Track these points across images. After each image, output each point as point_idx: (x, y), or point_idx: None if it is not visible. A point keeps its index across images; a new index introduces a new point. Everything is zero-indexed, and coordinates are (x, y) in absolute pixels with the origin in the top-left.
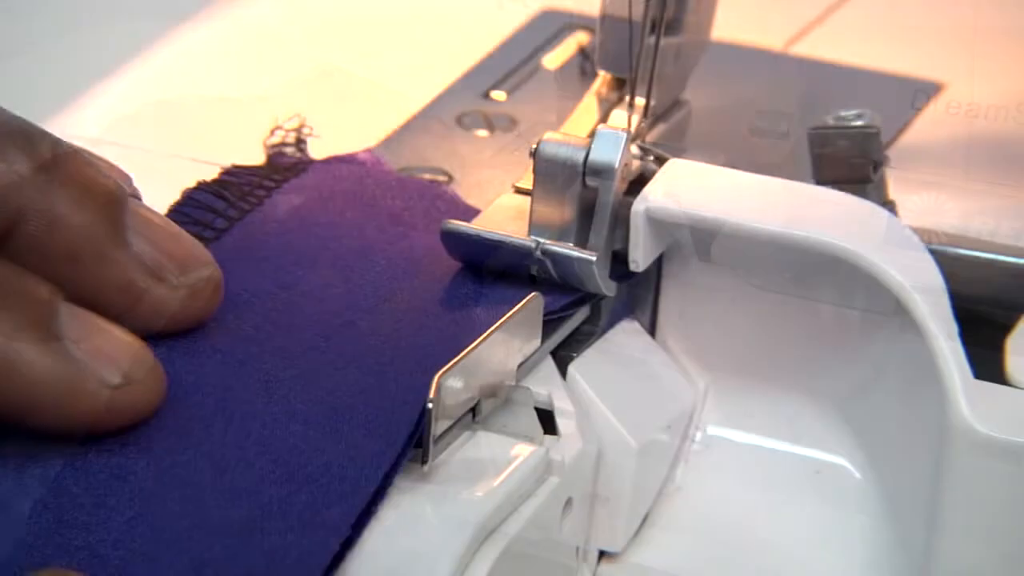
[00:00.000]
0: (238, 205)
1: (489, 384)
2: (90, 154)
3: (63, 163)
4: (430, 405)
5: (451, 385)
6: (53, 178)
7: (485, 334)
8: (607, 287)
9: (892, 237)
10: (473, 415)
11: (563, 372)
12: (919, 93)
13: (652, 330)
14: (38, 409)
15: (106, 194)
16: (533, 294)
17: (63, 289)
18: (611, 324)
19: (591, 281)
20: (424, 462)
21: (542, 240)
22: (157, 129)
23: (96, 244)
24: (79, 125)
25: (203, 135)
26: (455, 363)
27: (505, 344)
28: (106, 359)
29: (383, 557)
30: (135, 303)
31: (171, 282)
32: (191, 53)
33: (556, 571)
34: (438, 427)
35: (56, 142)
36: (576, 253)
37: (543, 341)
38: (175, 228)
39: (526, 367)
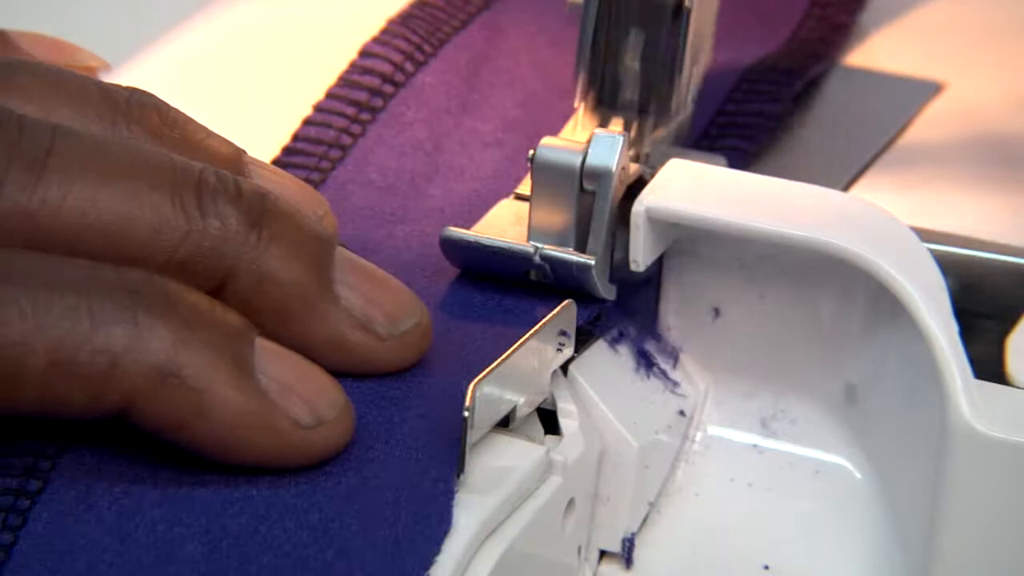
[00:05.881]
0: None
1: (523, 392)
2: (296, 183)
3: (273, 216)
4: (466, 414)
5: (487, 393)
6: (263, 234)
7: (519, 342)
8: (606, 291)
9: (892, 237)
10: (507, 423)
11: (564, 372)
12: (919, 93)
13: (653, 330)
14: (229, 446)
15: (316, 246)
16: (567, 301)
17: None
18: (612, 324)
19: (590, 285)
20: (460, 472)
21: (541, 245)
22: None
23: (306, 299)
24: None
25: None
26: (490, 371)
27: (539, 352)
28: (299, 398)
29: None
30: (343, 355)
31: (379, 333)
32: (189, 54)
33: (558, 571)
34: (473, 435)
35: (264, 193)
36: (575, 257)
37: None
38: (383, 275)
39: None
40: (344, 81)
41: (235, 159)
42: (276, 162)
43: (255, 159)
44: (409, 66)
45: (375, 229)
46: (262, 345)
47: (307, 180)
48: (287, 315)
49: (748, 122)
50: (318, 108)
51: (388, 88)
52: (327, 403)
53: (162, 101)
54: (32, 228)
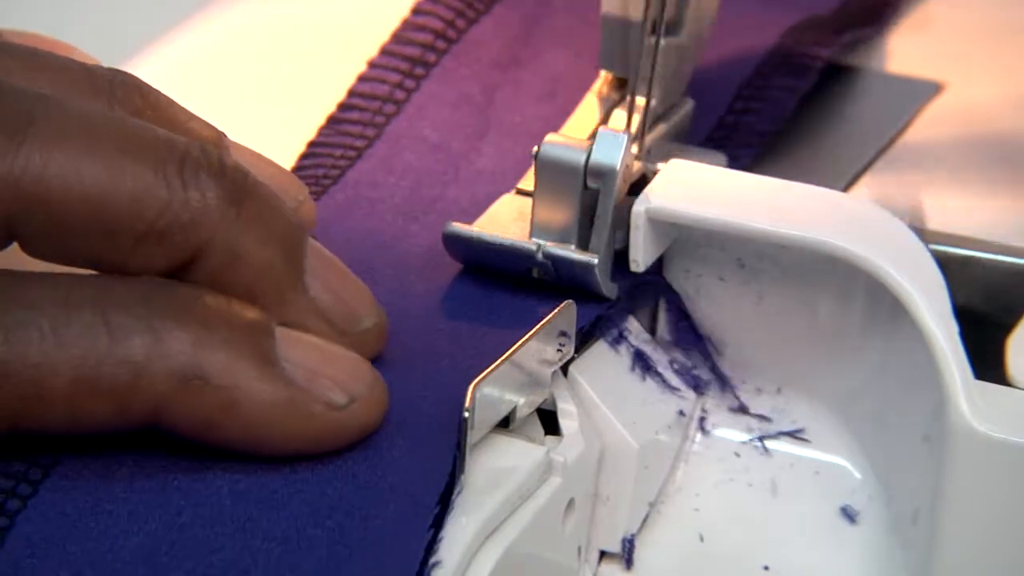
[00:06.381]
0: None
1: (523, 393)
2: (278, 168)
3: (252, 198)
4: (466, 414)
5: (487, 394)
6: (242, 213)
7: (520, 342)
8: (608, 290)
9: (892, 237)
10: (507, 424)
11: (564, 372)
12: (919, 93)
13: (652, 330)
14: (262, 438)
15: (290, 234)
16: (567, 302)
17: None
18: (612, 325)
19: (593, 283)
20: (460, 473)
21: (543, 242)
22: None
23: (275, 283)
24: None
25: None
26: (490, 372)
27: (539, 353)
28: (328, 380)
29: None
30: None
31: (340, 328)
32: (189, 54)
33: (558, 572)
34: (473, 436)
35: (246, 172)
36: (577, 256)
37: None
38: (348, 273)
39: None
40: (397, 38)
41: (216, 142)
42: (332, 118)
43: (236, 143)
44: (461, 23)
45: (427, 190)
46: (283, 334)
47: (361, 135)
48: (254, 296)
49: (773, 96)
50: (372, 64)
51: (441, 44)
52: (357, 380)
53: (145, 83)
54: (14, 195)
